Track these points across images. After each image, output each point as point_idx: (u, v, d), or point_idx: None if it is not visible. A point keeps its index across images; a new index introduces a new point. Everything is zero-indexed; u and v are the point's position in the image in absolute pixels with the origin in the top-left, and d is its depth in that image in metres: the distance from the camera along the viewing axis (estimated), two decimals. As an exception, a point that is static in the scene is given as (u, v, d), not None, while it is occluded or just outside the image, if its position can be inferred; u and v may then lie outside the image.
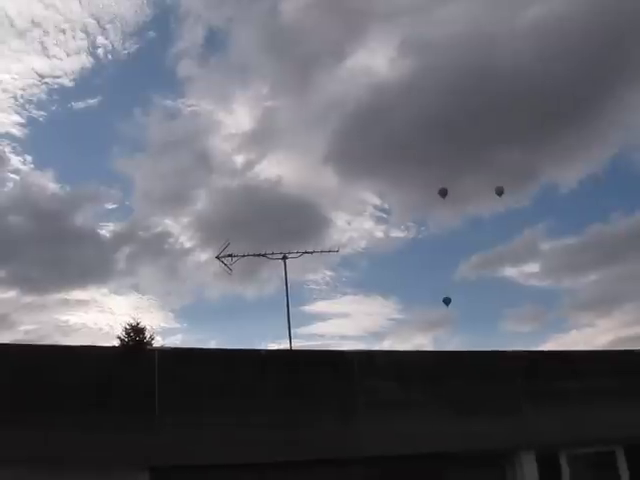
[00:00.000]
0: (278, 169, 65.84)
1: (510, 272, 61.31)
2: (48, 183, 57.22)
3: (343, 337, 54.47)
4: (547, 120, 47.94)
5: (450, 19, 52.69)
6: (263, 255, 22.57)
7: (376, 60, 60.89)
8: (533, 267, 63.44)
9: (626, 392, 11.26)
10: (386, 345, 54.49)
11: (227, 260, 22.15)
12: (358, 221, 62.75)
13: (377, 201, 59.58)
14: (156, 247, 53.95)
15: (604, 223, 63.28)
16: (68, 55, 55.47)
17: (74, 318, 52.48)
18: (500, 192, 34.77)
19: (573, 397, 11.14)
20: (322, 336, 53.73)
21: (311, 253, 22.86)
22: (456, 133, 47.94)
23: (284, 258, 22.71)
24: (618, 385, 11.36)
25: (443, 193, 34.30)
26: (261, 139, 58.89)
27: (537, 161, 54.58)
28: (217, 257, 22.19)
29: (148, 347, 17.25)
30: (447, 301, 34.82)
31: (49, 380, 9.03)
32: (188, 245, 55.08)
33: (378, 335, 55.39)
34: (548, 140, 52.02)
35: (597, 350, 11.51)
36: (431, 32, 54.50)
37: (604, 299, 56.73)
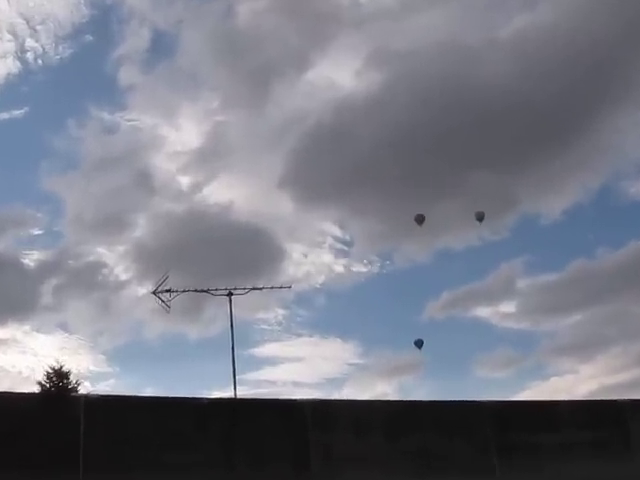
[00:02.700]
0: (229, 193, 64.00)
1: (483, 312, 60.43)
2: (-37, 205, 55.94)
3: (296, 384, 53.92)
4: (529, 142, 48.40)
5: (424, 28, 53.01)
6: (206, 291, 22.50)
7: (341, 72, 61.54)
8: (509, 306, 62.22)
9: (608, 445, 11.43)
10: (345, 393, 53.87)
11: (165, 296, 22.16)
12: (316, 253, 62.62)
13: (338, 231, 59.34)
14: (87, 279, 52.63)
15: (589, 258, 63.25)
16: (-8, 60, 54.82)
17: (-11, 360, 51.06)
18: (480, 217, 34.83)
19: (550, 451, 11.22)
20: (273, 383, 53.16)
21: (260, 289, 22.96)
22: (428, 155, 47.97)
23: (230, 294, 22.61)
24: (600, 438, 11.52)
25: (420, 220, 33.98)
26: (210, 158, 58.03)
27: (517, 188, 54.44)
28: (154, 292, 22.18)
29: (73, 394, 16.96)
30: (419, 343, 34.62)
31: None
32: (124, 277, 53.83)
33: (336, 382, 55.01)
34: (529, 165, 52.26)
35: (577, 400, 11.66)
36: (403, 42, 54.30)
37: (588, 343, 56.93)
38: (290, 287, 23.83)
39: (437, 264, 58.57)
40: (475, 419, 11.22)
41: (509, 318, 60.09)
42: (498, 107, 47.90)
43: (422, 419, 10.94)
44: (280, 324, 58.41)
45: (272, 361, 58.38)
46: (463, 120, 47.34)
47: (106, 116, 56.59)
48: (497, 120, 47.47)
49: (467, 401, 11.50)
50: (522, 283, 59.70)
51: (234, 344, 21.53)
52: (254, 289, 22.81)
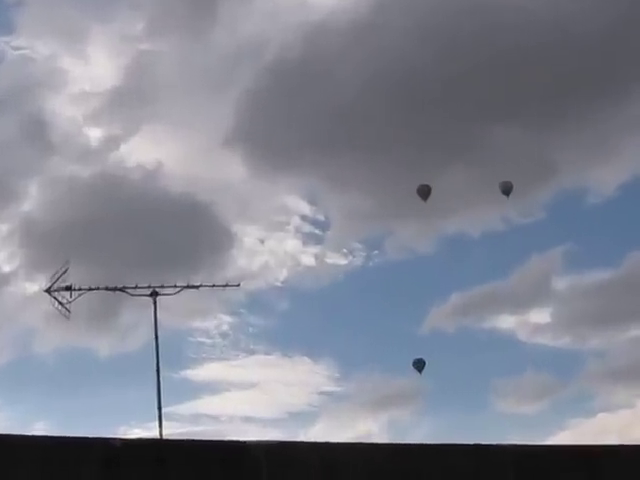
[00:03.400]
0: (156, 151, 64.29)
1: (507, 322, 59.66)
2: None
3: (247, 420, 52.63)
4: (573, 92, 45.98)
5: None
6: (122, 289, 21.59)
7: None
8: (542, 315, 61.57)
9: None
10: (314, 433, 52.71)
11: (65, 295, 21.36)
12: (277, 238, 61.27)
13: (307, 208, 57.68)
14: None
15: (653, 250, 61.17)
16: None
17: None
18: (507, 190, 34.13)
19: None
20: (214, 418, 51.95)
21: (197, 288, 21.85)
22: (433, 105, 45.44)
23: (155, 294, 21.67)
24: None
25: (424, 193, 33.44)
26: (131, 103, 56.29)
27: (556, 152, 52.39)
28: (48, 290, 21.30)
29: None
30: (419, 365, 34.51)
31: None
32: (7, 269, 51.94)
33: (302, 417, 53.82)
34: (573, 122, 50.18)
35: (635, 445, 10.81)
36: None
37: (650, 366, 54.65)
38: (239, 285, 23.09)
39: (444, 255, 56.47)
40: (494, 470, 9.98)
41: (542, 331, 57.93)
42: (531, 42, 44.78)
43: (420, 469, 9.73)
44: (225, 336, 56.83)
45: (214, 388, 56.78)
46: (481, 59, 44.79)
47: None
48: (528, 60, 44.72)
49: (483, 445, 10.34)
50: (561, 283, 58.04)
51: (160, 364, 21.05)
52: (189, 287, 21.89)
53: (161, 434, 19.95)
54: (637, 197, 57.48)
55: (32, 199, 53.54)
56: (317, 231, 58.37)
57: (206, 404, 52.79)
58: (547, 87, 45.35)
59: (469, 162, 48.27)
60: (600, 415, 53.18)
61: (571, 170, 53.43)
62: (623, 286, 53.82)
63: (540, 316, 59.62)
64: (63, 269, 21.44)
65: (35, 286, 49.18)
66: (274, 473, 9.26)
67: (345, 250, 57.28)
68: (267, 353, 58.13)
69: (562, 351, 56.41)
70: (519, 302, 55.72)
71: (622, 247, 67.01)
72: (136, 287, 21.46)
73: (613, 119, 51.68)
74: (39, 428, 46.11)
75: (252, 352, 58.32)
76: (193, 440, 10.28)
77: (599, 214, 57.75)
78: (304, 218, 56.32)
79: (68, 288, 21.25)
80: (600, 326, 56.71)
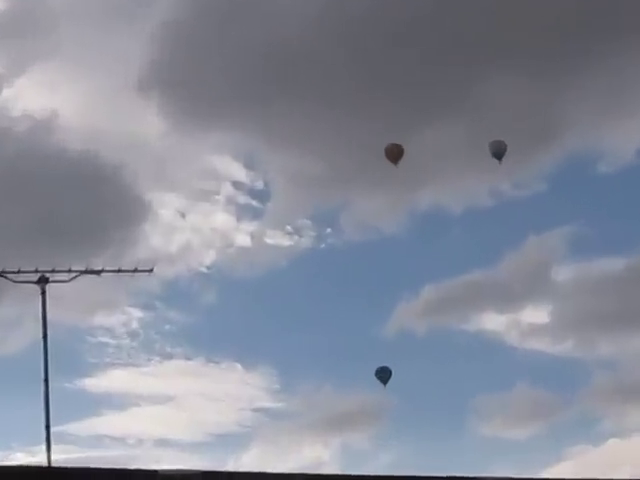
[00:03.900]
0: (49, 97, 61.34)
1: (493, 323, 57.16)
2: None
3: (161, 443, 50.73)
4: (579, 30, 43.76)
5: None
6: (1, 274, 20.58)
7: None
8: (539, 314, 57.94)
9: None
10: (246, 461, 51.02)
11: None
12: (202, 211, 59.09)
13: (241, 173, 55.76)
14: None
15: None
16: None
17: None
18: (499, 152, 33.39)
19: None
20: (119, 440, 49.91)
21: (98, 273, 21.22)
22: (404, 42, 43.11)
23: (43, 281, 20.75)
24: None
25: (394, 154, 32.00)
26: (18, 34, 53.32)
27: (560, 106, 50.14)
28: None
29: None
30: (384, 375, 32.90)
31: None
32: None
33: (232, 440, 52.40)
34: (582, 68, 48.22)
35: None
36: None
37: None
38: (151, 271, 21.33)
39: (416, 236, 54.60)
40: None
41: (538, 334, 56.80)
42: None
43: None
44: (134, 336, 55.14)
45: (118, 401, 55.32)
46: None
47: None
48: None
49: (461, 478, 11.09)
50: (563, 274, 56.66)
51: (48, 370, 19.92)
52: (87, 272, 20.94)
53: (49, 460, 18.97)
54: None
55: None
56: (254, 202, 56.77)
57: (108, 422, 51.49)
58: (551, 24, 43.62)
59: (450, 118, 46.84)
60: (610, 442, 52.04)
61: (579, 130, 52.16)
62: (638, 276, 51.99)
63: (536, 315, 56.97)
64: None
65: None
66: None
67: (289, 228, 55.90)
68: (187, 358, 56.37)
69: (562, 360, 55.14)
70: (510, 297, 54.50)
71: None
72: (19, 272, 20.44)
73: (633, 66, 50.21)
74: None
75: (168, 356, 56.63)
76: (89, 468, 10.86)
77: (613, 187, 56.20)
78: (237, 185, 54.70)
79: None
80: (610, 329, 55.27)
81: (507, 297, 53.84)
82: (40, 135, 49.85)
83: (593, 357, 55.49)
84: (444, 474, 11.26)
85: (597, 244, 58.31)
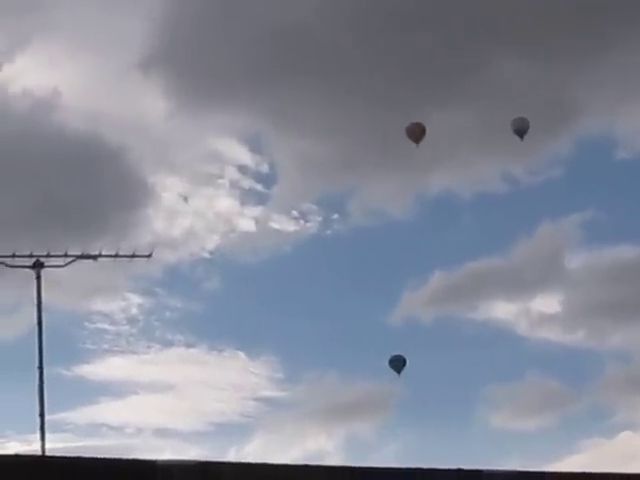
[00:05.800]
0: (50, 75, 61.11)
1: (504, 311, 57.03)
2: None
3: (161, 432, 50.45)
4: (602, 10, 42.81)
5: None
6: None
7: None
8: (551, 303, 57.40)
9: None
10: (249, 451, 50.73)
11: None
12: (205, 195, 58.69)
13: (246, 156, 55.31)
14: None
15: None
16: None
17: None
18: (521, 129, 31.90)
19: None
20: (117, 429, 49.75)
21: (95, 258, 21.10)
22: (415, 22, 42.94)
23: (39, 266, 20.71)
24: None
25: (416, 133, 31.43)
26: (18, 10, 53.25)
27: (578, 89, 49.51)
28: None
29: None
30: (398, 364, 33.05)
31: None
32: None
33: (234, 430, 52.19)
34: (604, 49, 46.69)
35: None
36: None
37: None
38: (150, 256, 21.25)
39: (426, 222, 53.97)
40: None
41: (549, 323, 56.28)
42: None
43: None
44: (134, 323, 54.69)
45: (117, 389, 55.01)
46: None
47: None
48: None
49: (469, 471, 11.11)
50: (576, 261, 55.63)
51: (43, 357, 19.89)
52: (84, 257, 20.83)
53: (44, 449, 18.93)
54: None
55: None
56: (259, 187, 56.19)
57: (107, 411, 51.24)
58: (567, 7, 43.70)
59: (463, 102, 46.34)
60: (623, 434, 51.28)
61: (595, 115, 51.62)
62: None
63: (547, 304, 56.36)
64: None
65: None
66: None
67: (295, 212, 55.37)
68: (189, 345, 55.98)
69: (574, 350, 54.66)
70: (521, 285, 53.93)
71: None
72: (14, 256, 20.28)
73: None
74: None
75: (169, 344, 56.16)
76: (86, 458, 10.91)
77: (630, 172, 55.36)
78: (242, 169, 54.13)
79: None
80: (623, 319, 54.75)
81: (518, 285, 53.27)
82: (39, 114, 49.72)
83: (605, 347, 55.12)
84: (451, 466, 11.16)
85: (611, 231, 57.58)
